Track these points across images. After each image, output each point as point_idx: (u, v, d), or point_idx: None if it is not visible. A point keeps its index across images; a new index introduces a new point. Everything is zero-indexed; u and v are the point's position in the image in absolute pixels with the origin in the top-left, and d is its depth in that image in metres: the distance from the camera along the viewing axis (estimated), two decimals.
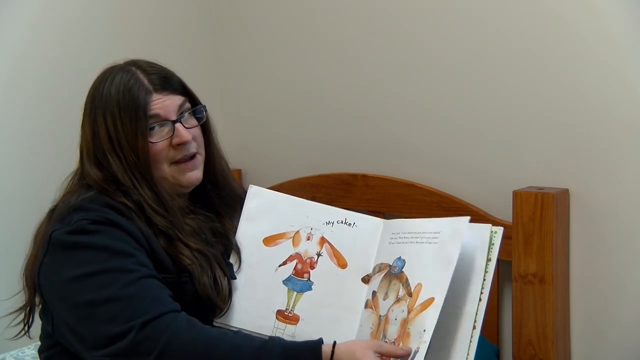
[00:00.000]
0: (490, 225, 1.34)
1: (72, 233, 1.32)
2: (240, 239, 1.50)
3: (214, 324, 1.41)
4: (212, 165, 1.53)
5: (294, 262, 1.46)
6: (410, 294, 1.31)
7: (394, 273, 1.37)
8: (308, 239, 1.47)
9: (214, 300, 1.39)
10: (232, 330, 1.36)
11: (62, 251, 1.33)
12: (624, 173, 1.75)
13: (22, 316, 1.45)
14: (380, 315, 1.35)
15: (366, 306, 1.40)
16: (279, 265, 1.46)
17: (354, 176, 2.14)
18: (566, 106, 1.82)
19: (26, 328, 1.46)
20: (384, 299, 1.36)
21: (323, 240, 1.47)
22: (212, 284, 1.39)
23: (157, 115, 1.42)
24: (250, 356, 1.24)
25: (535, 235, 1.77)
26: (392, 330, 1.30)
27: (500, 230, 1.34)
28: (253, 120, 2.42)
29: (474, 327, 1.28)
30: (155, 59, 1.51)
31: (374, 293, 1.39)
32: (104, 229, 1.33)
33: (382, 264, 1.40)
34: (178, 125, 1.44)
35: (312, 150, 2.28)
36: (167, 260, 1.38)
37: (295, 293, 1.44)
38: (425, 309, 1.26)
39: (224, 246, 1.49)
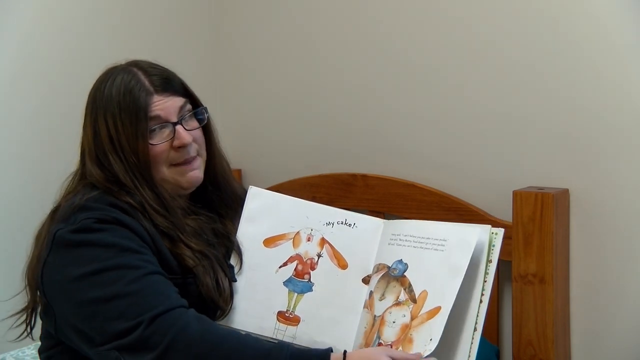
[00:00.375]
0: (490, 226, 1.34)
1: (76, 232, 1.32)
2: (241, 240, 1.50)
3: None
4: (213, 167, 1.53)
5: (295, 263, 1.46)
6: (414, 300, 1.31)
7: (393, 275, 1.36)
8: (308, 240, 1.47)
9: (216, 301, 1.39)
10: (242, 331, 1.36)
11: (66, 250, 1.32)
12: (624, 173, 1.76)
13: (23, 317, 1.45)
14: (375, 316, 1.35)
15: (364, 306, 1.40)
16: (280, 267, 1.46)
17: (354, 176, 2.14)
18: (566, 106, 1.82)
19: (28, 329, 1.46)
20: (380, 300, 1.36)
21: (323, 241, 1.46)
22: (215, 286, 1.39)
23: (157, 117, 1.42)
24: (257, 358, 1.23)
25: (535, 235, 1.77)
26: (390, 333, 1.30)
27: (500, 231, 1.33)
28: (253, 120, 2.42)
29: (475, 329, 1.27)
30: (155, 59, 1.50)
31: (370, 293, 1.39)
32: (109, 227, 1.33)
33: (380, 264, 1.40)
34: (179, 127, 1.43)
35: (312, 150, 2.28)
36: (172, 260, 1.38)
37: (295, 294, 1.43)
38: (432, 318, 1.26)
39: (225, 247, 1.48)
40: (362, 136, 2.17)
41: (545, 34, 1.83)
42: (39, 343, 1.48)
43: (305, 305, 1.42)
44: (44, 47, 2.04)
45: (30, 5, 2.01)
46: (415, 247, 1.37)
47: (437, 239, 1.35)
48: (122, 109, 1.39)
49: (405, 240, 1.39)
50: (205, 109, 1.51)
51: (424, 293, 1.30)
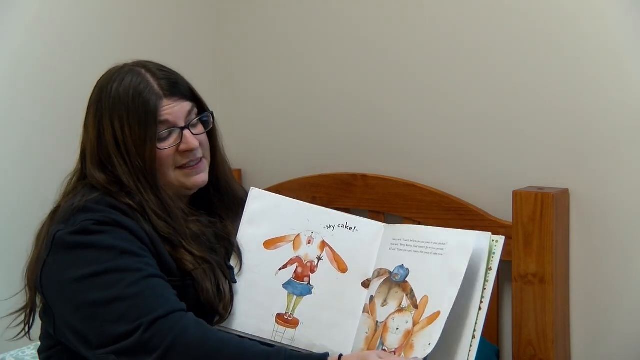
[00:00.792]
0: (490, 233, 1.33)
1: (76, 233, 1.32)
2: (241, 242, 1.49)
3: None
4: (216, 171, 1.53)
5: (294, 265, 1.45)
6: (416, 306, 1.30)
7: (395, 281, 1.36)
8: (309, 243, 1.47)
9: (215, 307, 1.39)
10: (240, 336, 1.36)
11: (66, 251, 1.32)
12: (624, 173, 1.76)
13: (22, 317, 1.45)
14: (377, 322, 1.35)
15: (363, 310, 1.40)
16: (279, 269, 1.45)
17: (354, 176, 2.14)
18: (566, 106, 1.81)
19: (26, 329, 1.46)
20: (383, 305, 1.35)
21: (324, 244, 1.46)
22: (215, 291, 1.39)
23: (166, 122, 1.41)
24: None
25: (535, 235, 1.77)
26: (393, 340, 1.30)
27: (501, 239, 1.33)
28: (253, 120, 2.42)
29: (474, 337, 1.27)
30: (154, 59, 1.49)
31: (371, 298, 1.39)
32: (109, 229, 1.32)
33: (381, 269, 1.40)
34: (186, 132, 1.43)
35: (312, 150, 2.28)
36: (171, 263, 1.38)
37: (295, 297, 1.43)
38: (431, 323, 1.26)
39: (225, 249, 1.48)
40: (362, 136, 2.17)
41: (545, 34, 1.82)
42: (39, 343, 1.48)
43: (304, 308, 1.42)
44: (45, 47, 2.04)
45: (31, 6, 2.01)
46: (415, 251, 1.36)
47: (436, 243, 1.34)
48: (130, 112, 1.38)
49: (406, 245, 1.38)
50: (212, 113, 1.50)
51: (425, 298, 1.30)
